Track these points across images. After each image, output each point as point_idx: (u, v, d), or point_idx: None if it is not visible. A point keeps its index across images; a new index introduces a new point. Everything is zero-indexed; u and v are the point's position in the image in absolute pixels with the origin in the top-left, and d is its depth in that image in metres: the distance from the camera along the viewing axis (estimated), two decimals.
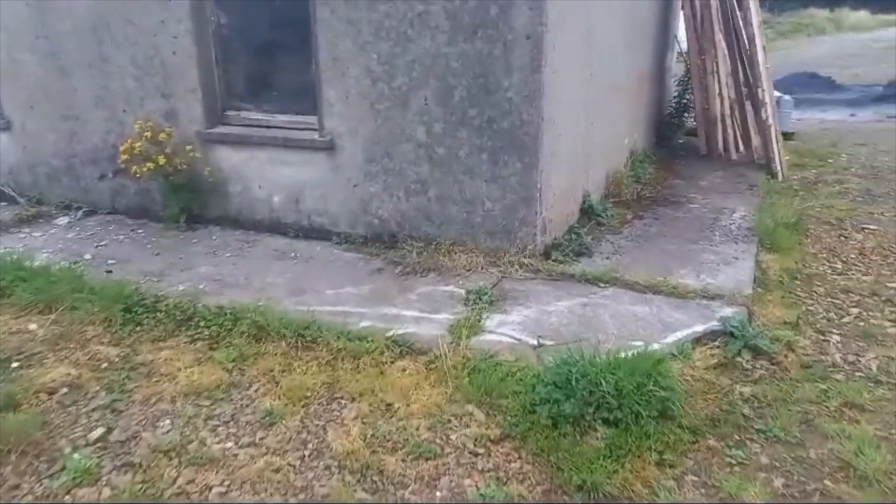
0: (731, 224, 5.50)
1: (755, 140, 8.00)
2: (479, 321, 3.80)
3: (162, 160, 5.20)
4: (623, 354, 3.08)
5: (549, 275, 4.38)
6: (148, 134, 5.26)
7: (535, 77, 4.27)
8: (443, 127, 4.63)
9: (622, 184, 6.27)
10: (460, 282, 4.37)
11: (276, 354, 3.64)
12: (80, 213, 6.08)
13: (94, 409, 3.24)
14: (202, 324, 3.93)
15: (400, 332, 3.70)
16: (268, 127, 5.37)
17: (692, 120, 8.95)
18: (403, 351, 3.55)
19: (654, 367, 2.89)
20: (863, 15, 27.79)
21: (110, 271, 4.74)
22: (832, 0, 27.44)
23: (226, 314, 3.96)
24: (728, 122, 8.18)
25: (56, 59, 5.92)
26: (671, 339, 3.51)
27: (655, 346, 3.40)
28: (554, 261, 4.56)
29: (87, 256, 5.06)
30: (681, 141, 9.07)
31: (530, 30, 4.20)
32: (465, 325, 3.74)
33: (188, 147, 5.37)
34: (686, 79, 8.60)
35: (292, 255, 5.02)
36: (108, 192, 6.13)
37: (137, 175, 5.31)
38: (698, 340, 3.53)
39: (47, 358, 3.70)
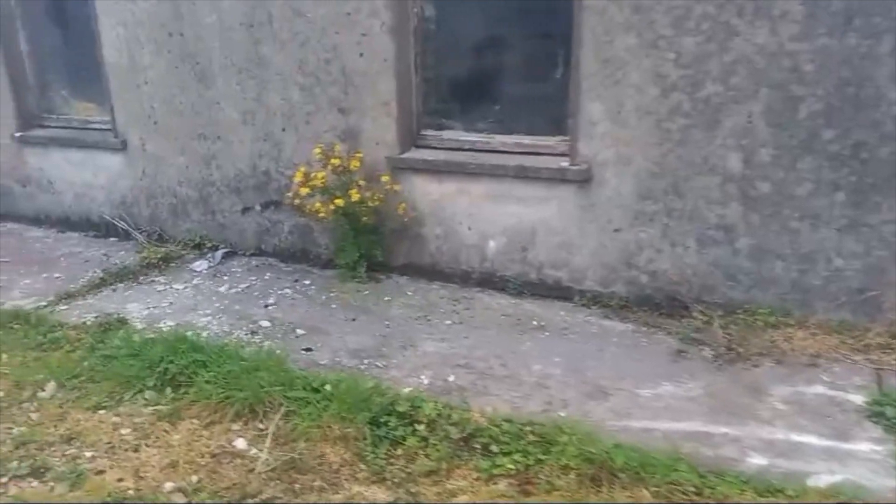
0: None
1: None
2: None
3: (355, 195, 3.97)
4: None
5: None
6: (336, 161, 4.03)
7: None
8: (773, 154, 3.35)
9: None
10: (823, 377, 3.08)
11: None
12: (218, 256, 4.88)
13: None
14: (494, 449, 2.67)
15: (826, 478, 2.42)
16: (483, 151, 4.12)
17: None
18: None
19: None
20: None
21: (310, 349, 3.51)
22: None
23: (523, 434, 2.71)
24: None
25: (192, 62, 4.74)
26: None
27: None
28: None
29: (264, 323, 3.83)
30: None
31: None
32: None
33: (384, 178, 4.13)
34: None
35: (533, 322, 3.76)
36: (253, 230, 4.92)
37: (320, 214, 4.08)
38: None
39: None
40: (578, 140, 3.74)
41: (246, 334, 3.70)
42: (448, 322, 3.80)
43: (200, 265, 4.78)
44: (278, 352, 3.31)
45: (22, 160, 5.85)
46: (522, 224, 4.03)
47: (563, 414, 2.87)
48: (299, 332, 3.72)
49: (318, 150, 4.14)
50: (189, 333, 3.49)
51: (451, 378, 3.20)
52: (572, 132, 3.77)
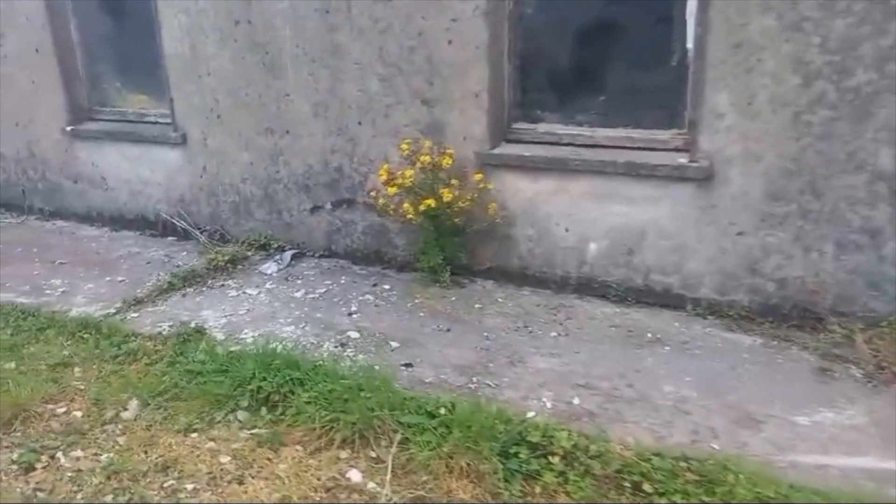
0: None
1: None
2: None
3: (447, 195, 3.65)
4: None
5: None
6: (426, 158, 3.71)
7: None
8: None
9: None
10: None
11: None
12: (287, 257, 4.60)
13: None
14: (647, 488, 2.36)
15: None
16: (583, 146, 3.79)
17: None
18: None
19: None
20: None
21: (410, 365, 3.22)
22: None
23: (679, 471, 2.39)
24: None
25: (261, 52, 4.44)
26: None
27: None
28: None
29: (352, 334, 3.54)
30: None
31: None
32: None
33: (476, 176, 3.81)
34: None
35: (648, 335, 3.44)
36: (322, 230, 4.64)
37: (408, 215, 3.77)
38: None
39: None
40: (700, 134, 3.40)
41: (335, 346, 3.42)
42: (553, 334, 3.49)
43: (269, 268, 4.50)
44: (379, 368, 3.02)
45: (73, 155, 5.61)
46: (629, 225, 3.69)
47: (715, 446, 2.55)
48: (393, 344, 3.43)
49: (405, 146, 3.83)
50: (279, 347, 3.21)
51: (576, 401, 2.89)
52: (692, 125, 3.43)
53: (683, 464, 2.41)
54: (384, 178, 3.81)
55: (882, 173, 3.10)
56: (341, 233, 4.60)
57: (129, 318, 3.82)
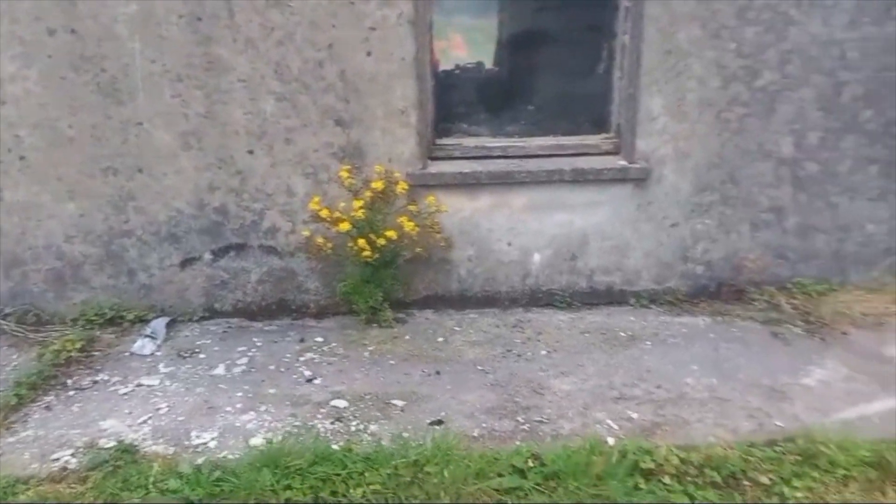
0: None
1: None
2: None
3: (408, 225, 3.22)
4: None
5: None
6: (379, 185, 3.21)
7: None
8: (821, 136, 3.60)
9: None
10: None
11: None
12: (162, 329, 3.61)
13: None
14: (765, 480, 2.41)
15: None
16: (516, 157, 3.71)
17: None
18: None
19: None
20: None
21: (440, 422, 2.74)
22: None
23: (781, 458, 2.49)
24: None
25: (94, 69, 3.41)
26: None
27: None
28: None
29: (337, 403, 2.89)
30: None
31: None
32: None
33: (429, 199, 3.43)
34: None
35: (621, 334, 3.50)
36: (199, 287, 3.76)
37: (364, 254, 3.22)
38: None
39: None
40: (637, 137, 3.58)
41: (332, 423, 2.78)
42: (543, 352, 3.35)
43: (144, 347, 3.47)
44: (410, 435, 2.55)
45: None
46: (572, 232, 3.73)
47: (779, 424, 2.72)
48: (397, 403, 2.92)
49: (345, 173, 3.28)
50: (292, 443, 2.49)
51: (633, 415, 2.81)
52: (630, 129, 3.59)
53: (779, 448, 2.53)
54: (325, 214, 3.22)
55: (783, 159, 3.64)
56: (228, 286, 3.77)
57: None
